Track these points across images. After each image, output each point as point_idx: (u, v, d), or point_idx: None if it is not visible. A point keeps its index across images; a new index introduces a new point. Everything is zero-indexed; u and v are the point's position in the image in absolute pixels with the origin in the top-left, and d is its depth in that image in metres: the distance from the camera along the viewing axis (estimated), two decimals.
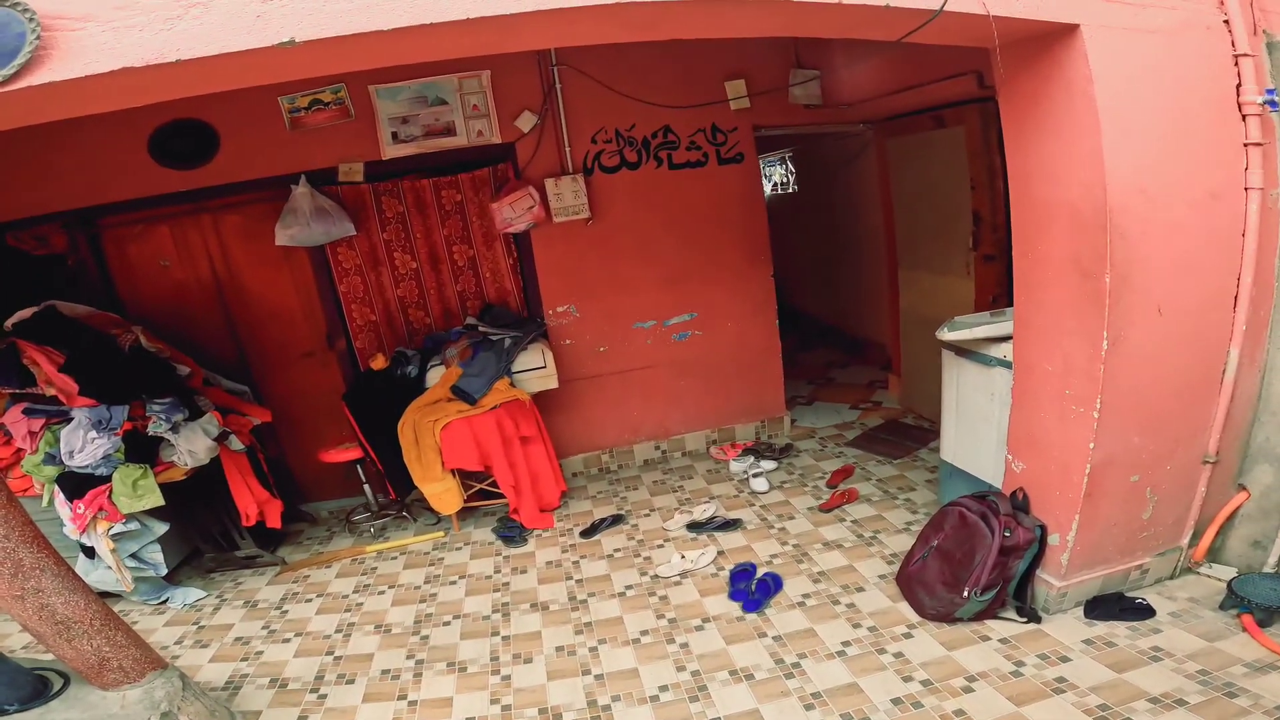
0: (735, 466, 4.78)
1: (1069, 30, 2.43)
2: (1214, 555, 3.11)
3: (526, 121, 4.49)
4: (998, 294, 4.51)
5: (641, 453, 5.17)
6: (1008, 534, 2.87)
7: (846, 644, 2.99)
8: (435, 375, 4.35)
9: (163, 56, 1.75)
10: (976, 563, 2.90)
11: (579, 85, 4.54)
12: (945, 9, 2.21)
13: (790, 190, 8.31)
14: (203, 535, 4.22)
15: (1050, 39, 2.50)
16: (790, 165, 8.16)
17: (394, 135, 4.37)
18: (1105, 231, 2.52)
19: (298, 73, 2.13)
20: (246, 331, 4.68)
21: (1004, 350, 3.27)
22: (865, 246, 6.55)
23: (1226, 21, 2.64)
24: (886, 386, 6.07)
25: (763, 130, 4.98)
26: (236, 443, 4.07)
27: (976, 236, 4.53)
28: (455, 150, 4.45)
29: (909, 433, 5.15)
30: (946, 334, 3.50)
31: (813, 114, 4.98)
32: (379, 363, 4.40)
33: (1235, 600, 2.82)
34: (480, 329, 4.45)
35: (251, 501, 4.04)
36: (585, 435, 5.07)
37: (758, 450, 4.96)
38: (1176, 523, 3.03)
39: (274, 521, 4.17)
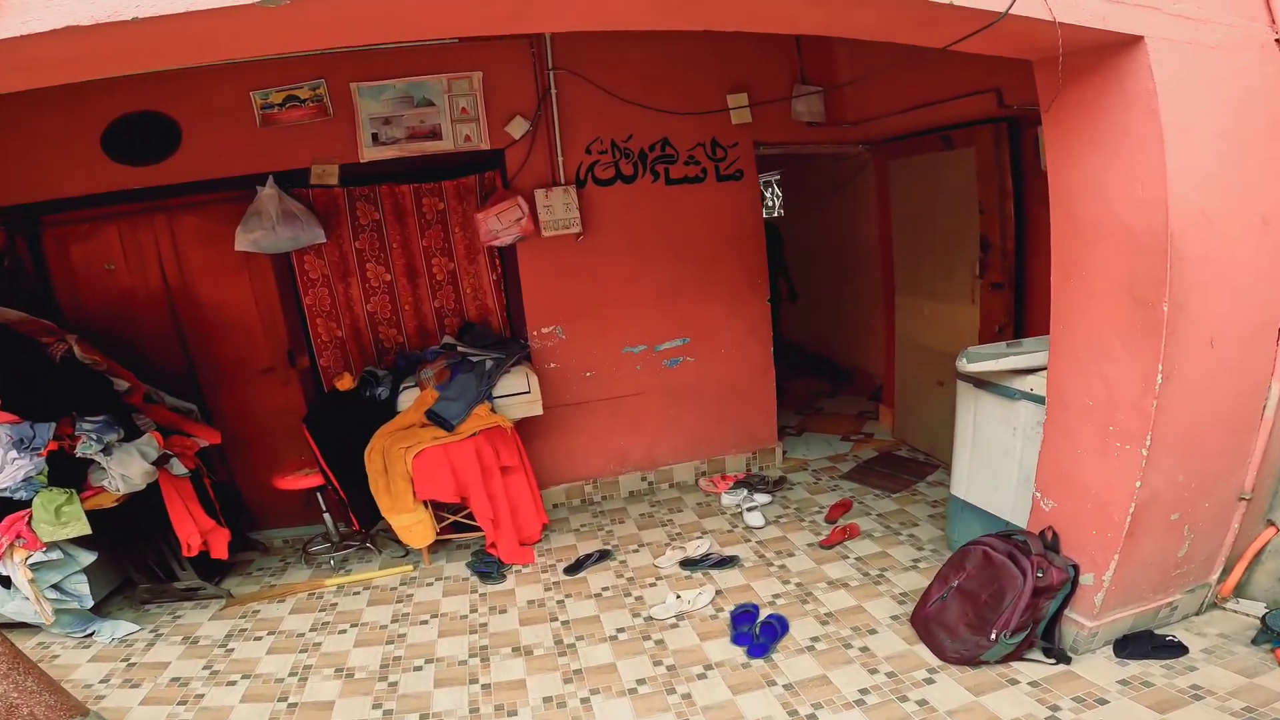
0: (728, 499, 4.59)
1: (1133, 42, 2.30)
2: (1240, 590, 3.05)
3: (518, 127, 4.27)
4: (1004, 323, 4.37)
5: (627, 484, 4.92)
6: (1040, 574, 2.75)
7: (864, 691, 2.81)
8: (408, 398, 4.05)
9: (117, 13, 1.49)
10: (1006, 604, 2.77)
11: (576, 90, 4.36)
12: (1011, 11, 2.03)
13: (775, 215, 8.18)
14: (136, 564, 3.84)
15: (1110, 51, 2.37)
16: (776, 189, 8.05)
17: (374, 137, 4.10)
18: (1165, 255, 2.37)
19: (278, 44, 1.88)
20: (198, 344, 4.34)
21: (1030, 383, 3.17)
22: (857, 273, 6.43)
23: (1278, 40, 2.54)
24: (877, 417, 5.93)
25: (763, 147, 4.83)
26: (179, 466, 3.73)
27: (984, 263, 4.39)
28: (440, 155, 4.22)
29: (905, 465, 5.01)
30: (967, 365, 3.37)
31: (815, 131, 4.85)
32: (345, 383, 4.08)
33: (1269, 635, 2.76)
34: (459, 349, 4.16)
35: (194, 530, 3.71)
36: (568, 464, 4.81)
37: (750, 483, 4.77)
38: (1208, 559, 2.96)
39: (219, 552, 3.84)
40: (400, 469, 3.81)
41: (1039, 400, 3.10)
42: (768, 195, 8.38)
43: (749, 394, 5.02)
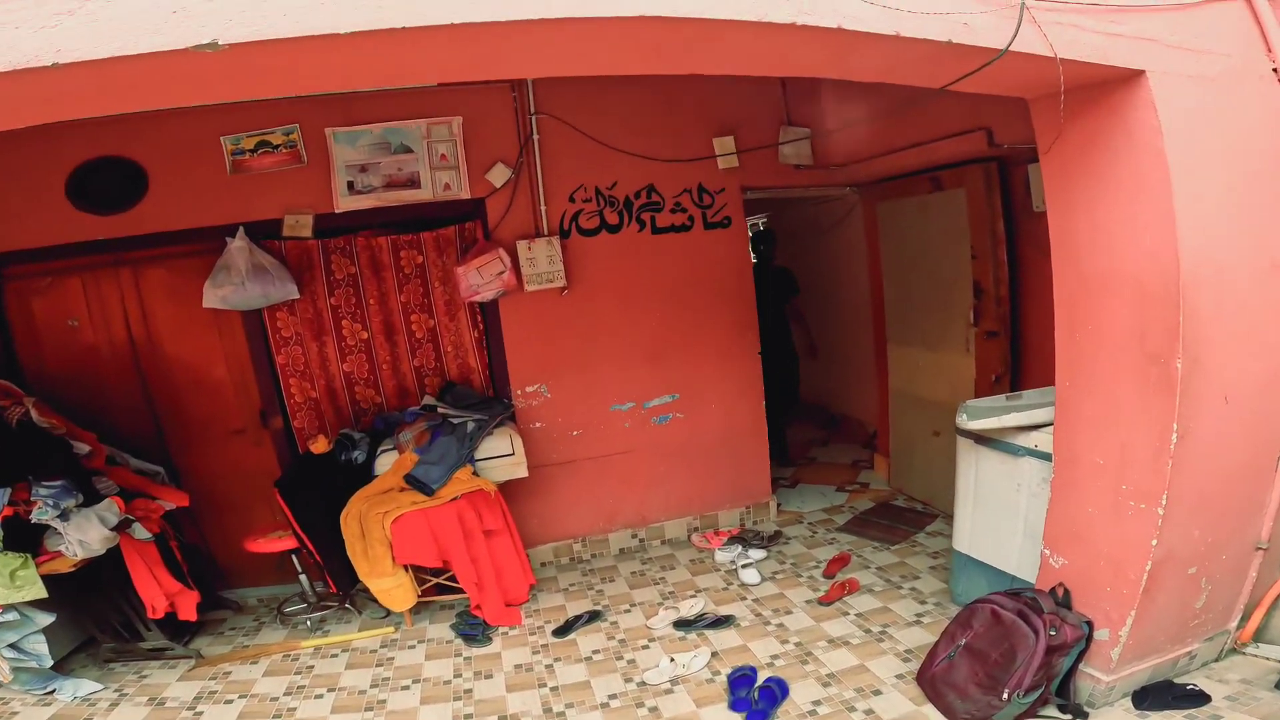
0: (721, 556, 4.44)
1: (1134, 77, 2.24)
2: (1260, 635, 3.00)
3: (499, 175, 4.17)
4: (1001, 373, 4.28)
5: (617, 541, 4.75)
6: (1053, 632, 2.66)
7: None
8: (386, 461, 3.88)
9: (38, 59, 1.38)
10: (1019, 663, 2.67)
11: (559, 136, 4.28)
12: (1011, 49, 1.95)
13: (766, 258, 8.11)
14: (99, 624, 3.67)
15: (1111, 87, 2.31)
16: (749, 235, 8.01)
17: (350, 185, 4.00)
18: (1178, 308, 2.28)
19: (221, 91, 1.77)
20: (166, 404, 4.16)
21: (1035, 439, 3.10)
22: (848, 319, 6.36)
23: (1276, 70, 2.49)
24: (871, 466, 5.81)
25: (751, 192, 4.76)
26: (141, 531, 3.56)
27: (978, 310, 4.31)
28: (418, 205, 4.11)
29: (903, 516, 4.89)
30: (968, 423, 3.30)
31: (802, 175, 4.80)
32: (320, 445, 3.91)
33: None
34: (440, 410, 4.00)
35: (158, 593, 3.53)
36: (556, 523, 4.63)
37: (744, 538, 4.63)
38: (1226, 607, 2.90)
39: (187, 614, 3.66)
40: (378, 534, 3.64)
41: (1044, 457, 3.02)
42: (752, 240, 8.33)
43: (741, 447, 4.87)
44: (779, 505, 5.10)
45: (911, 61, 2.07)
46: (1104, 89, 2.31)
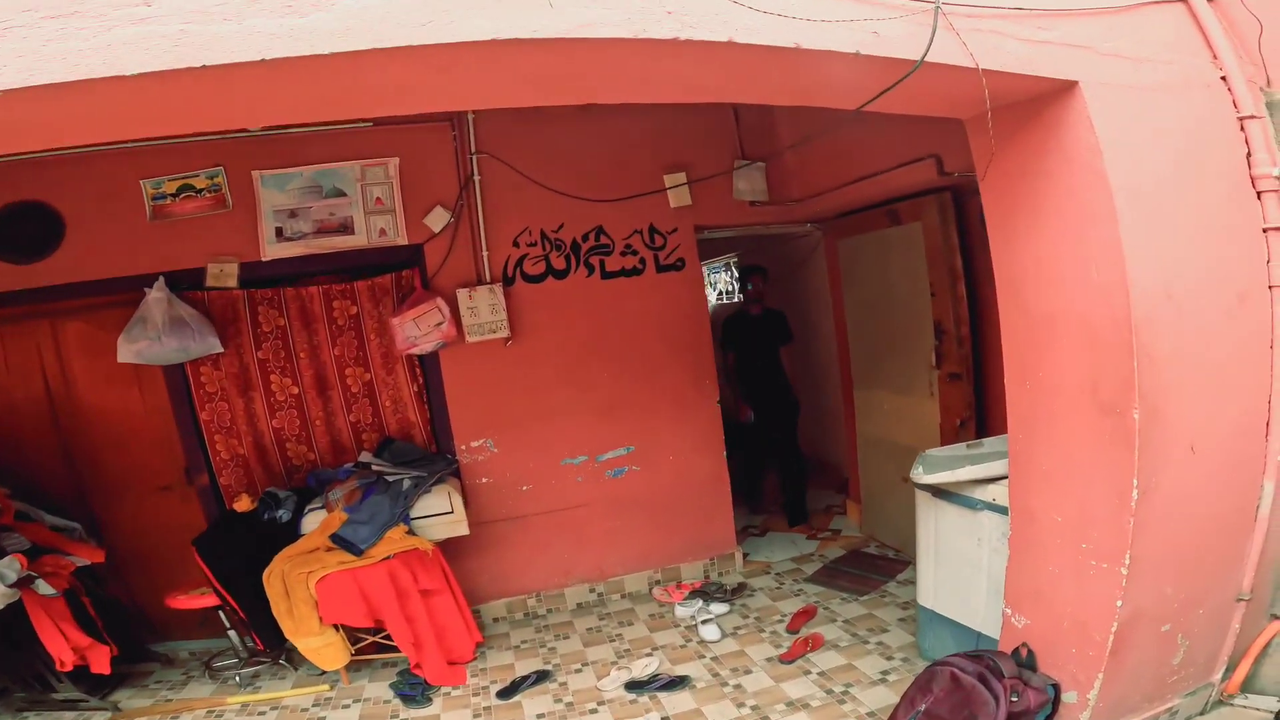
0: (682, 611, 4.20)
1: (1067, 89, 2.07)
2: (1248, 685, 2.82)
3: (438, 219, 4.01)
4: (966, 417, 4.09)
5: (574, 595, 4.49)
6: (1015, 698, 2.47)
7: None
8: (314, 520, 3.65)
9: None
10: None
11: (501, 177, 4.13)
12: (927, 60, 1.79)
13: (737, 299, 7.99)
14: (11, 674, 3.54)
15: (1043, 102, 2.15)
16: (735, 271, 7.86)
17: (278, 232, 3.82)
18: (1131, 353, 2.09)
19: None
20: (87, 460, 3.96)
21: (993, 493, 2.91)
22: (816, 359, 6.19)
23: (1224, 78, 2.33)
24: (844, 512, 5.58)
25: (705, 231, 4.61)
26: (46, 587, 3.41)
27: (939, 352, 4.14)
28: (352, 252, 3.93)
29: (874, 564, 4.66)
30: (923, 477, 3.11)
31: (759, 212, 4.65)
32: (243, 504, 3.69)
33: None
34: (374, 468, 3.78)
35: (65, 647, 3.38)
36: (507, 579, 4.38)
37: (707, 591, 4.38)
38: (1208, 661, 2.70)
39: (100, 668, 3.49)
40: (302, 594, 3.44)
41: (1004, 511, 2.82)
42: (727, 278, 8.19)
43: (702, 501, 4.64)
44: (746, 555, 4.87)
45: (822, 79, 1.90)
46: (1036, 105, 2.15)
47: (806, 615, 4.00)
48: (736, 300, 8.08)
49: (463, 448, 4.17)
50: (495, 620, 4.34)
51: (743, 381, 5.31)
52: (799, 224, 5.00)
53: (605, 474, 4.43)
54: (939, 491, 3.15)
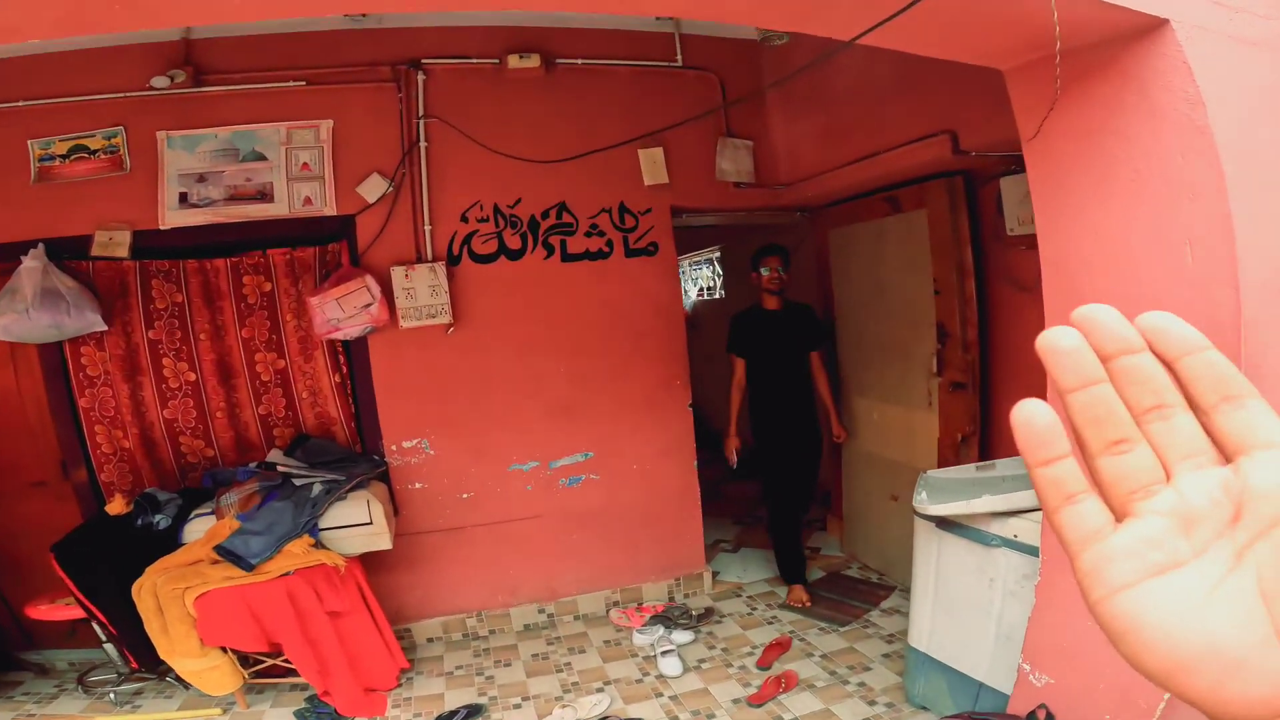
0: (640, 639, 3.69)
1: (1155, 29, 1.53)
2: None
3: (374, 188, 3.46)
4: (969, 433, 3.59)
5: (521, 616, 3.97)
6: None
7: None
8: (199, 528, 3.12)
9: None
10: None
11: (451, 144, 3.60)
12: None
13: (718, 295, 7.42)
14: None
15: (1121, 45, 1.62)
16: (718, 266, 7.31)
17: (182, 198, 3.26)
18: (1239, 362, 1.54)
19: None
20: None
21: (1014, 528, 2.44)
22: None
23: None
24: (825, 528, 5.07)
25: (683, 215, 4.06)
26: None
27: (942, 358, 3.62)
28: (270, 223, 3.37)
29: (856, 589, 4.17)
30: (929, 506, 2.62)
31: (743, 195, 4.11)
32: (116, 506, 3.16)
33: None
34: (279, 468, 3.22)
35: None
36: (443, 597, 3.86)
37: (670, 616, 3.88)
38: None
39: None
40: (178, 611, 2.93)
41: (1026, 550, 2.38)
42: (709, 273, 7.64)
43: (668, 516, 4.13)
44: (715, 575, 4.35)
45: None
46: (1111, 48, 1.63)
47: (780, 648, 3.52)
48: (719, 297, 7.49)
49: (393, 448, 3.63)
50: (429, 641, 3.83)
51: (754, 401, 4.06)
52: (786, 211, 4.47)
53: (559, 483, 3.90)
54: (944, 522, 2.66)
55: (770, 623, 3.85)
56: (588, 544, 4.00)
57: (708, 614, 3.95)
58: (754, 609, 4.03)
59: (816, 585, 4.20)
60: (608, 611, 4.07)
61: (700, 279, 7.80)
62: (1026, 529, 2.39)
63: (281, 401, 3.49)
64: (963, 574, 2.65)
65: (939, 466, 3.66)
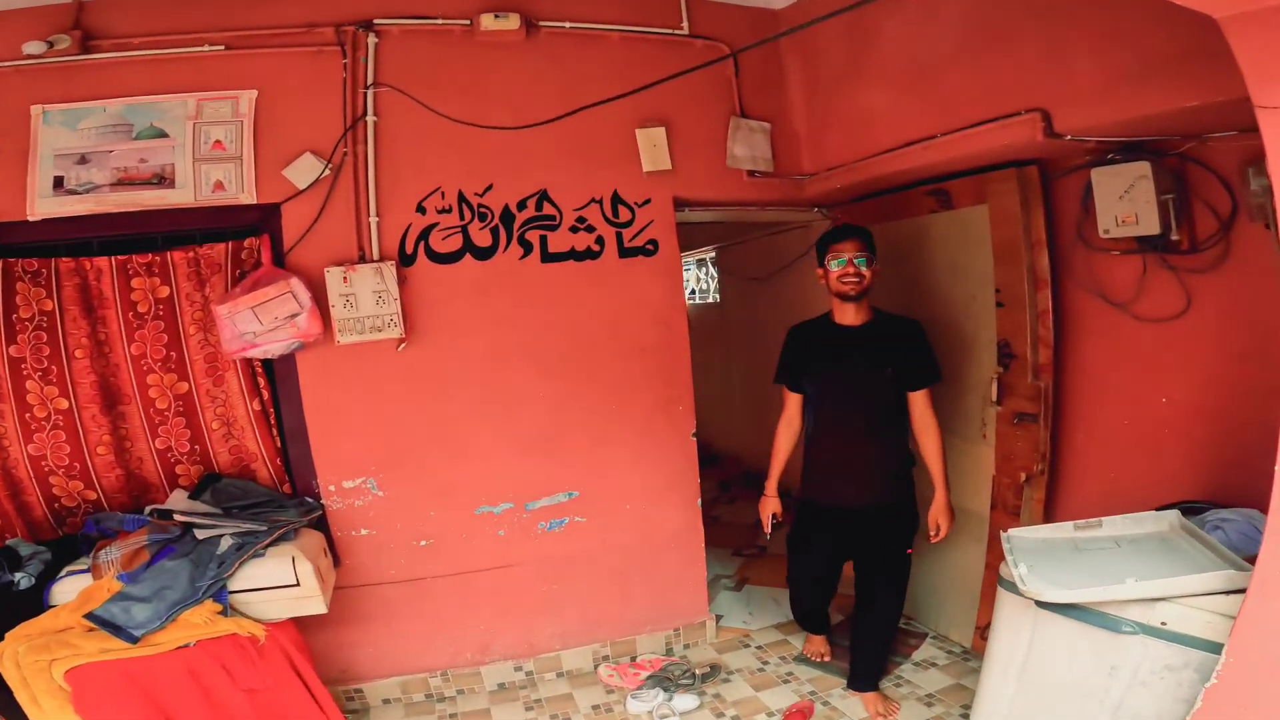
0: (636, 707, 3.05)
1: None
2: None
3: (306, 171, 2.76)
4: (1035, 472, 2.93)
5: (495, 674, 3.29)
6: None
7: None
8: (72, 588, 2.42)
9: None
10: None
11: (407, 119, 2.92)
12: None
13: (712, 300, 6.69)
14: None
15: None
16: (713, 267, 6.56)
17: (57, 182, 2.55)
18: None
19: None
20: None
21: (1164, 614, 1.87)
22: None
23: None
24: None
25: (688, 208, 3.38)
26: None
27: (1003, 383, 2.93)
28: (170, 213, 2.65)
29: None
30: (1048, 591, 2.00)
31: (759, 186, 3.43)
32: None
33: None
34: (177, 517, 2.52)
35: None
36: (401, 655, 3.17)
37: (670, 675, 3.21)
38: None
39: None
40: (44, 685, 2.26)
41: (1178, 641, 1.83)
42: (702, 275, 6.89)
43: (667, 561, 3.45)
44: (719, 619, 3.68)
45: None
46: None
47: (801, 716, 2.90)
48: (712, 301, 6.75)
49: (331, 489, 2.93)
50: (385, 702, 3.16)
51: (812, 456, 2.95)
52: (804, 207, 3.77)
53: (538, 526, 3.21)
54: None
55: (785, 681, 3.22)
56: (572, 594, 3.33)
57: (713, 671, 3.29)
58: (765, 663, 3.38)
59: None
60: (596, 668, 3.40)
61: (689, 280, 7.06)
62: (1182, 616, 1.80)
63: (185, 433, 2.76)
64: (1070, 658, 2.04)
65: (994, 508, 3.04)
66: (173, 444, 2.75)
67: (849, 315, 2.77)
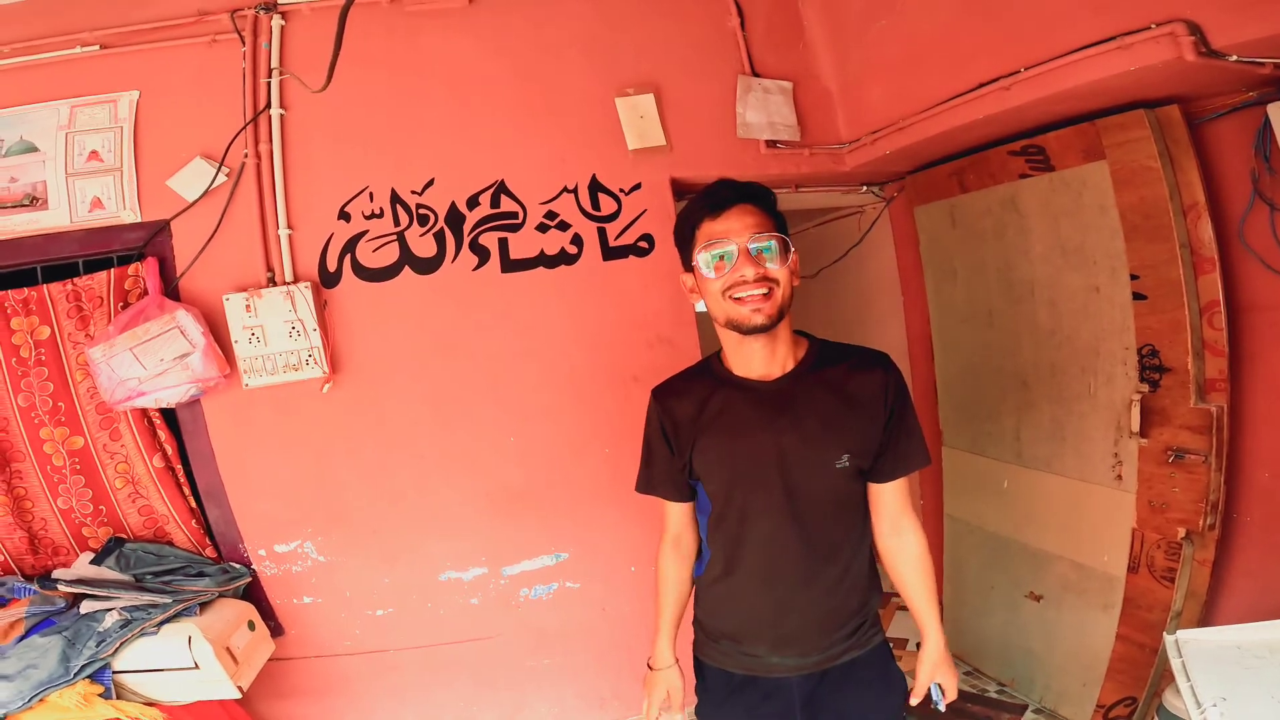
0: None
1: None
2: None
3: (196, 179, 2.17)
4: (1201, 527, 2.07)
5: None
6: None
7: None
8: None
9: None
10: None
11: (321, 109, 2.25)
12: None
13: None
14: None
15: None
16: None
17: None
18: None
19: None
20: None
21: None
22: None
23: None
24: (905, 606, 3.30)
25: (691, 191, 2.52)
26: None
27: (1148, 405, 1.97)
28: (48, 238, 2.11)
29: (965, 710, 2.57)
30: None
31: (782, 159, 2.52)
32: None
33: None
34: (61, 587, 2.00)
35: None
36: None
37: None
38: None
39: None
40: None
41: None
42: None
43: (684, 630, 2.61)
44: None
45: None
46: None
47: None
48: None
49: (261, 553, 2.34)
50: None
51: (720, 588, 1.54)
52: (847, 184, 2.78)
53: (519, 594, 2.50)
54: None
55: None
56: (567, 667, 2.61)
57: None
58: None
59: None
60: None
61: None
62: None
63: (85, 493, 2.23)
64: None
65: (1133, 570, 2.09)
66: (74, 504, 2.23)
67: (757, 360, 1.41)
